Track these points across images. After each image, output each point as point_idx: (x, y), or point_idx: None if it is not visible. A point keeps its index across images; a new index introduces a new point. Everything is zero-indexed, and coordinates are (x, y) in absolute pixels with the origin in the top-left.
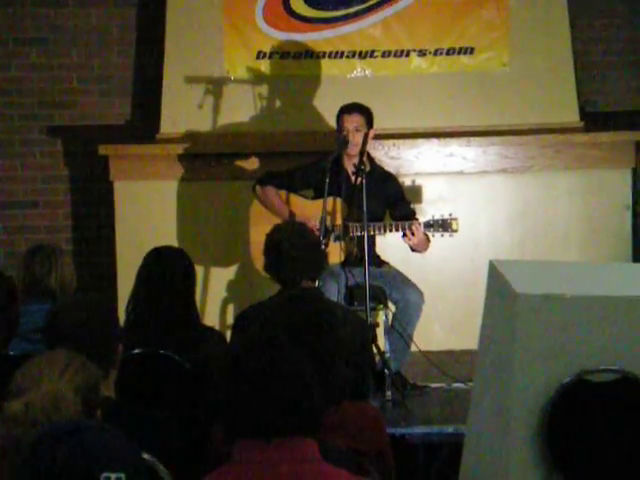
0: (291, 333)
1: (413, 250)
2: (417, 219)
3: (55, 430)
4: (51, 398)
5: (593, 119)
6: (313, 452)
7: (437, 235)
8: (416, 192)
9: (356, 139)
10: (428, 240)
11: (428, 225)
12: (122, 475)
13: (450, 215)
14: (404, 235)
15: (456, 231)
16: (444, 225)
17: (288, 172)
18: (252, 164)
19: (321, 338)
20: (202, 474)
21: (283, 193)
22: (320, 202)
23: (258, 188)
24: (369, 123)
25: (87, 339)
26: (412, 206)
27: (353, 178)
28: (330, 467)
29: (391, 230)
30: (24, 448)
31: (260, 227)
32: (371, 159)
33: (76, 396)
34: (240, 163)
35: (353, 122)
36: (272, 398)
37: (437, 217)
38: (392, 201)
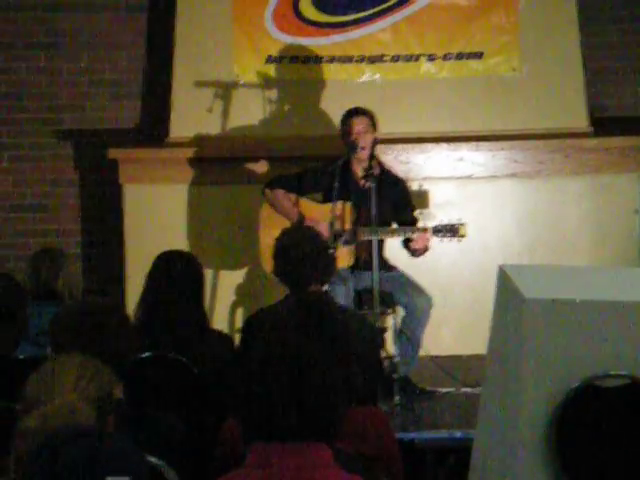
0: (302, 338)
1: (412, 255)
2: (418, 227)
3: (59, 435)
4: (66, 411)
5: (602, 124)
6: (327, 458)
7: (445, 240)
8: (425, 196)
9: (365, 141)
10: (427, 247)
11: (436, 230)
12: (126, 478)
13: (458, 220)
14: (408, 240)
15: (464, 236)
16: (452, 230)
17: (297, 175)
18: (261, 168)
19: (333, 342)
20: (210, 477)
21: (292, 196)
22: (329, 206)
23: (267, 191)
24: (374, 127)
25: (92, 342)
26: (419, 212)
27: (362, 182)
28: (344, 473)
29: (400, 235)
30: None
31: (270, 230)
32: (380, 163)
33: (90, 407)
34: (249, 167)
35: (362, 124)
36: (299, 402)
37: (445, 222)
38: (398, 205)
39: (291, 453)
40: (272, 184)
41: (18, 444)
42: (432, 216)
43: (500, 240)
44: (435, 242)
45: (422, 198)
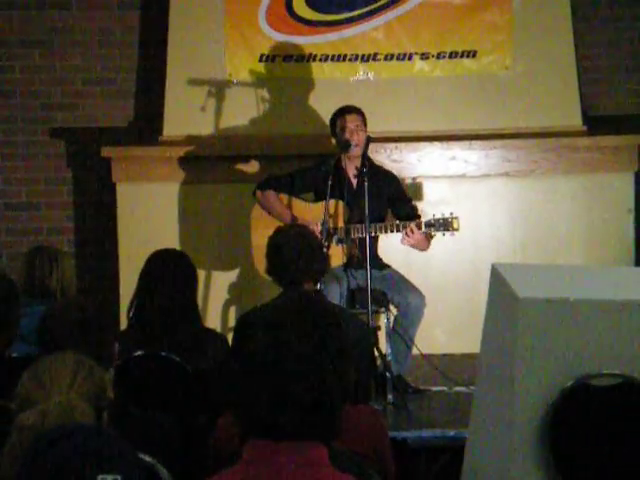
0: (297, 335)
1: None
2: (419, 216)
3: (51, 433)
4: (66, 409)
5: (596, 123)
6: (322, 456)
7: (438, 234)
8: (418, 195)
9: (358, 139)
10: (428, 238)
11: (429, 224)
12: (118, 477)
13: (451, 214)
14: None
15: (457, 230)
16: (445, 224)
17: (288, 175)
18: (254, 167)
19: (326, 341)
20: (203, 475)
21: (284, 197)
22: (321, 205)
23: (258, 193)
24: (365, 124)
25: (80, 340)
26: (414, 203)
27: (355, 180)
28: (337, 472)
29: (392, 231)
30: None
31: (261, 231)
32: (369, 160)
33: (88, 405)
34: (242, 166)
35: (354, 121)
36: (294, 401)
37: (438, 216)
38: (394, 201)
39: (286, 451)
40: (262, 186)
41: (15, 440)
42: (425, 214)
43: (493, 239)
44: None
45: (415, 197)
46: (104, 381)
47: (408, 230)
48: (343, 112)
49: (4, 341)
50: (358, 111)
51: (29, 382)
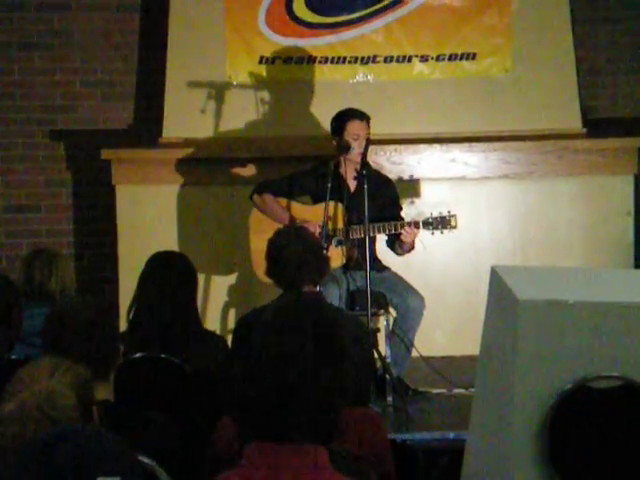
0: (297, 337)
1: (397, 253)
2: (409, 222)
3: (50, 435)
4: (45, 394)
5: (595, 125)
6: (323, 459)
7: (437, 233)
8: (418, 197)
9: (360, 143)
10: (414, 241)
11: (427, 223)
12: (117, 479)
13: (449, 212)
14: (396, 237)
15: (455, 227)
16: (443, 222)
17: (286, 178)
18: (254, 169)
19: (326, 343)
20: (202, 477)
21: (282, 200)
22: (319, 207)
23: (256, 196)
24: (369, 129)
25: (86, 342)
26: (410, 201)
27: (354, 183)
28: (338, 474)
29: (391, 230)
30: (21, 446)
31: (260, 235)
32: (367, 163)
33: (70, 390)
34: (242, 168)
35: (364, 129)
36: (294, 403)
37: (435, 214)
38: (386, 204)
39: (287, 454)
40: (259, 189)
41: None
42: (424, 217)
43: (493, 241)
44: (427, 236)
45: (415, 193)
46: (86, 376)
47: (408, 227)
48: (352, 116)
49: (6, 343)
50: (367, 118)
51: (10, 384)
